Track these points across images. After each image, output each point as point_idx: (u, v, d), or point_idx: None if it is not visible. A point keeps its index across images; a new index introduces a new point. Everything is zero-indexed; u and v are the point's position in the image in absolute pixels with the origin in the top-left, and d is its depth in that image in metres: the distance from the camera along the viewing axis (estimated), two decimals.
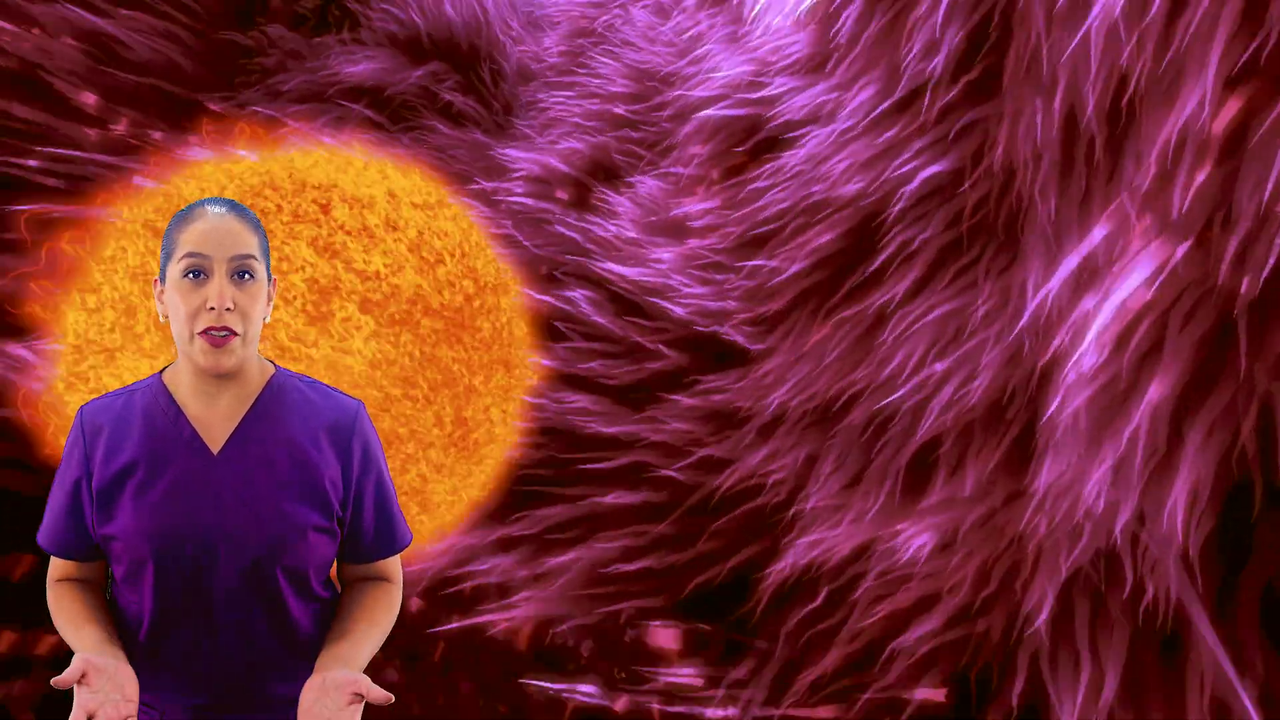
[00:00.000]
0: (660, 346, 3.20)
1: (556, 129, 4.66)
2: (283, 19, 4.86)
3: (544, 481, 2.84)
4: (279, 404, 1.20)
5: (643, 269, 3.51)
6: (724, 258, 3.57)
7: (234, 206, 1.16)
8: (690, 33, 5.01)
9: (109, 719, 0.97)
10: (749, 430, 3.20)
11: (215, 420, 1.17)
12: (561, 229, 4.16)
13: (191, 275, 1.11)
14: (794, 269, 3.89)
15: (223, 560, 1.13)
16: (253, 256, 1.13)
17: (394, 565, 1.31)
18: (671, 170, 4.09)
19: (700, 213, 3.90)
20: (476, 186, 4.28)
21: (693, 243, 3.59)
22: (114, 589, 1.20)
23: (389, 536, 1.27)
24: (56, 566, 1.22)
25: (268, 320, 1.19)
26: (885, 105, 3.85)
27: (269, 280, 1.18)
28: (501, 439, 3.17)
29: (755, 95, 4.31)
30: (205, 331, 1.10)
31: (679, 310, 3.31)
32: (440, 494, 3.01)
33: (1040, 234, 3.33)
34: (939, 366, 3.38)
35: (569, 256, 4.01)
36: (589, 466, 2.74)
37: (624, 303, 3.44)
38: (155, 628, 1.15)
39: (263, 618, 1.17)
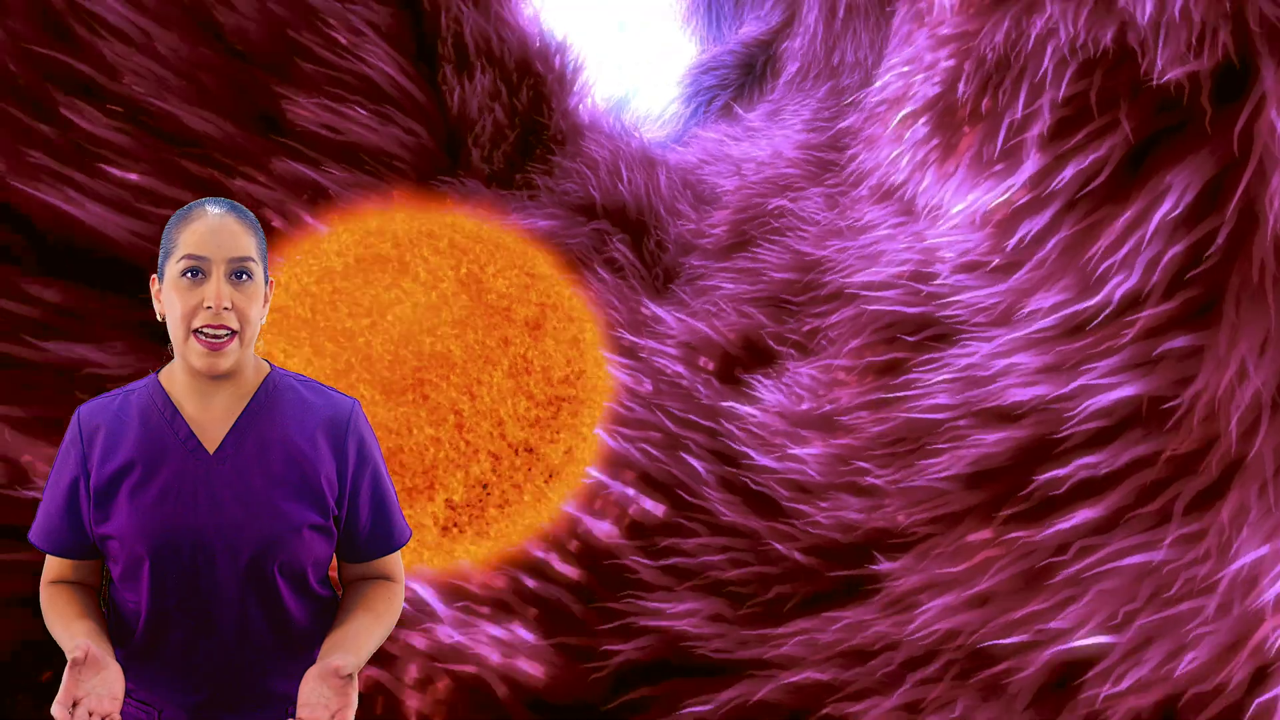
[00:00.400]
0: (794, 554, 2.86)
1: (712, 299, 4.62)
2: (479, 176, 5.28)
3: (636, 705, 2.51)
4: (274, 403, 1.19)
5: (784, 463, 3.24)
6: (874, 462, 3.24)
7: (234, 207, 1.17)
8: (858, 222, 4.94)
9: (94, 710, 0.95)
10: (884, 669, 2.73)
11: (211, 420, 1.17)
12: (702, 401, 4.00)
13: (189, 275, 1.11)
14: (953, 480, 3.47)
15: (219, 559, 1.13)
16: (251, 258, 1.14)
17: (395, 563, 1.29)
18: (826, 360, 3.88)
19: (853, 408, 3.62)
20: (623, 339, 4.27)
21: (841, 441, 3.29)
22: (112, 588, 1.19)
23: (386, 534, 1.25)
24: (51, 567, 1.21)
25: (263, 322, 1.19)
26: (1073, 312, 3.50)
27: (266, 282, 1.18)
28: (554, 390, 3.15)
29: (923, 288, 4.09)
30: (201, 332, 1.10)
31: (818, 515, 2.98)
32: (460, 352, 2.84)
33: (1258, 487, 2.79)
34: (1131, 628, 2.80)
35: (705, 434, 3.81)
36: (690, 707, 2.39)
37: (758, 498, 3.15)
38: (153, 626, 1.14)
39: (260, 616, 1.16)
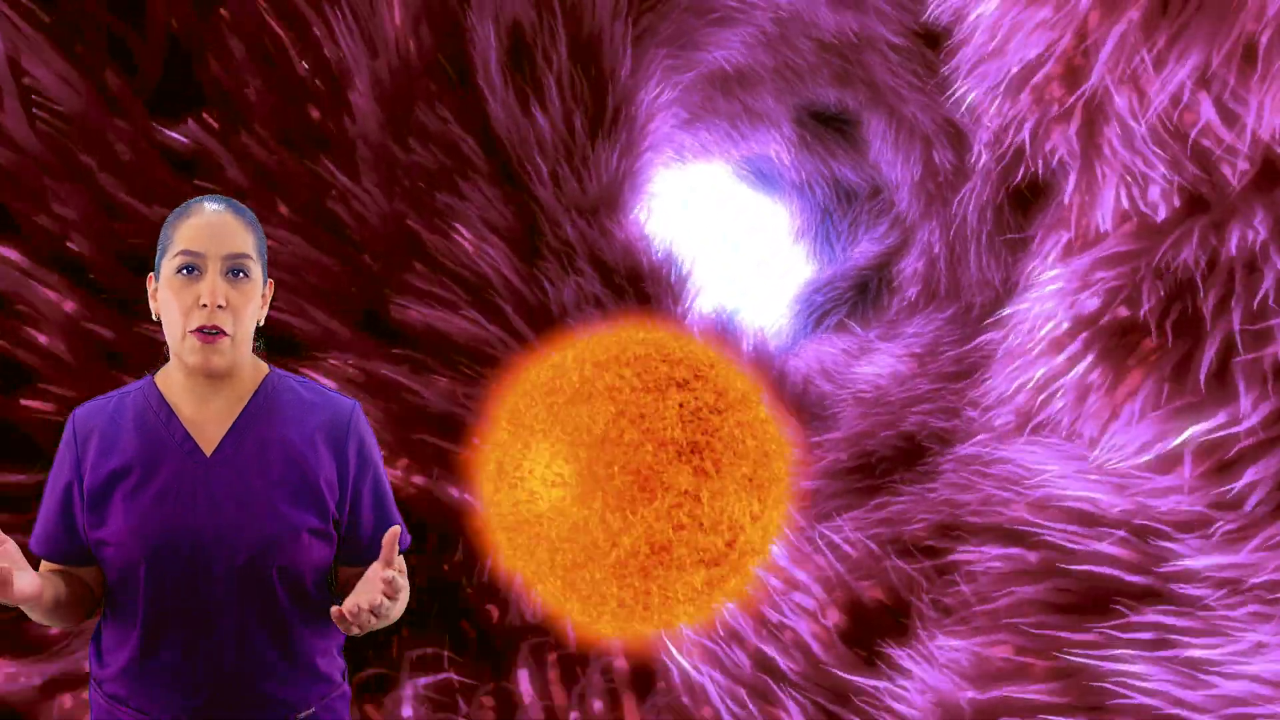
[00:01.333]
0: None
1: (836, 529, 3.88)
2: None
3: None
4: (273, 404, 1.19)
5: None
6: None
7: (231, 204, 1.16)
8: (1004, 451, 4.21)
9: None
10: None
11: (208, 421, 1.16)
12: (822, 667, 3.16)
13: (185, 271, 1.11)
14: None
15: (217, 562, 1.11)
16: (247, 255, 1.13)
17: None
18: (987, 628, 3.02)
19: (1024, 700, 2.73)
20: None
21: None
22: (108, 596, 1.16)
23: None
24: (46, 569, 1.19)
25: (261, 322, 1.18)
26: None
27: (264, 281, 1.17)
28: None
29: (1113, 541, 3.25)
30: (197, 330, 1.09)
31: None
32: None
33: None
34: None
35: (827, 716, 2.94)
36: None
37: None
38: (150, 630, 1.12)
39: (257, 619, 1.14)
